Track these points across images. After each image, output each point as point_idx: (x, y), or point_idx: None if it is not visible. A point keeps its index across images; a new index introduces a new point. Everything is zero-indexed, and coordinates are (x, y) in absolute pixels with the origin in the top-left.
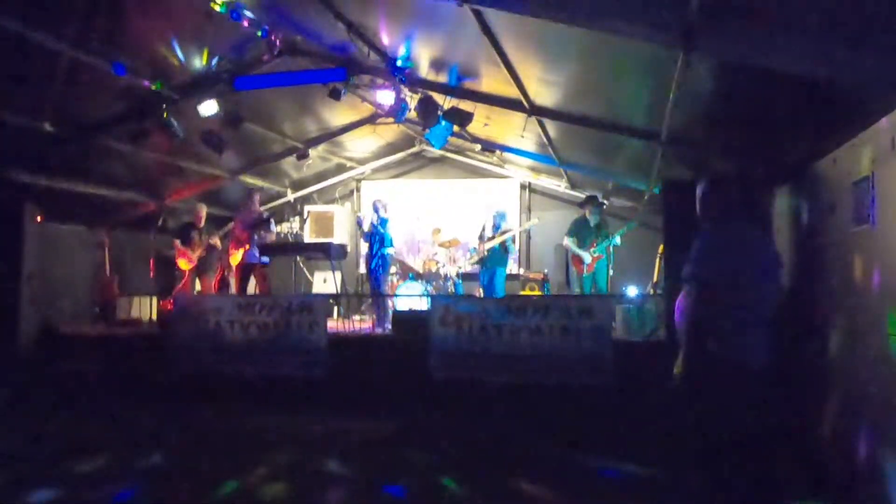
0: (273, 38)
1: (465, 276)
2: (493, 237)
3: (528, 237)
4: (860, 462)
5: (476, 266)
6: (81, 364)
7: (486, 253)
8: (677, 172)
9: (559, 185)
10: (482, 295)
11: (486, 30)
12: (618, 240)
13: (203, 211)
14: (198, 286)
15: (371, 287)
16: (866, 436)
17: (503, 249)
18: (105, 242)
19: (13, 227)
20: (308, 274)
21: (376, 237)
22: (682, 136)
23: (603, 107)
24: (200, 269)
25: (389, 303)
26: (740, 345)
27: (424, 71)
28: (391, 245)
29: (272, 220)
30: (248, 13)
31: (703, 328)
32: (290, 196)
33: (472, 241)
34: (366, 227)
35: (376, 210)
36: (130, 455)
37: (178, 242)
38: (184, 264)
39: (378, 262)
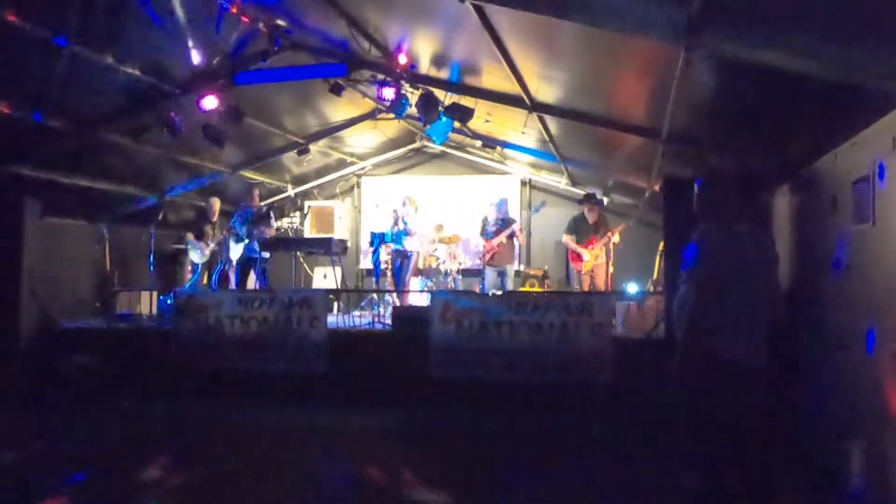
0: (274, 33)
1: (466, 273)
2: (499, 231)
3: (529, 234)
4: (857, 461)
5: (480, 264)
6: (81, 358)
7: (497, 249)
8: (678, 170)
9: (560, 182)
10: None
11: (488, 26)
12: (616, 237)
13: (217, 205)
14: (203, 280)
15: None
16: (864, 434)
17: (511, 244)
18: (105, 237)
19: (13, 222)
20: (308, 269)
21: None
22: (682, 133)
23: (604, 103)
24: (210, 264)
25: (390, 298)
26: (738, 342)
27: (425, 67)
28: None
29: (272, 215)
30: (249, 8)
31: (701, 325)
32: (291, 191)
33: (474, 237)
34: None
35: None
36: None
37: (191, 235)
38: (197, 258)
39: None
